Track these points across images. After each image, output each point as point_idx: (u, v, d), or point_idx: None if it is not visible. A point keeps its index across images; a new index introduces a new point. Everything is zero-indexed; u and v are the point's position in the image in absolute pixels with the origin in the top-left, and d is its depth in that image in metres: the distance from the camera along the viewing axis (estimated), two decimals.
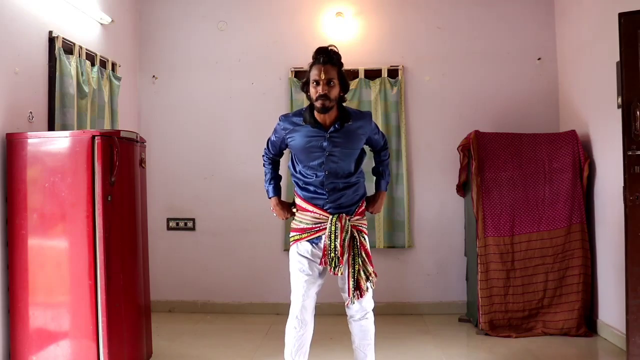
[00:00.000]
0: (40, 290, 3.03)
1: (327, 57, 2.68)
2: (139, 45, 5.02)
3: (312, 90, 2.70)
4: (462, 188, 4.56)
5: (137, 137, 3.37)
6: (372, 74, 4.85)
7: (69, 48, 3.71)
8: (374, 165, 3.14)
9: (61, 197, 3.00)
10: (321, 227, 2.79)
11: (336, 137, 2.75)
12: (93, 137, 2.99)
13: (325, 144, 2.75)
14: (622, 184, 3.26)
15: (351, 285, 2.75)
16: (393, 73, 4.86)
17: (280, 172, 3.13)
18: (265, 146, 3.07)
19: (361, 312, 2.84)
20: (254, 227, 4.88)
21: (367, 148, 3.03)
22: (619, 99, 3.52)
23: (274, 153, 3.05)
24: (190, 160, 4.97)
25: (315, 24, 4.92)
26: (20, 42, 3.27)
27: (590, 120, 4.24)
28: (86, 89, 3.81)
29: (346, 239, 2.74)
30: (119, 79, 4.36)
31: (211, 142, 4.96)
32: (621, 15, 3.18)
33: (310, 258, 2.81)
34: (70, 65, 3.66)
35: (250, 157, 4.83)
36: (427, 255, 4.85)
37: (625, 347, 3.26)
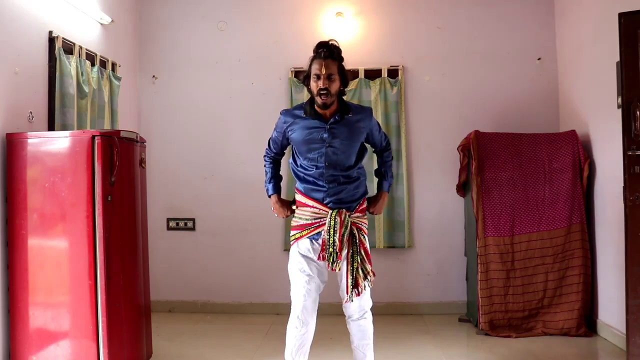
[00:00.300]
0: (40, 290, 3.03)
1: (328, 51, 2.74)
2: (139, 45, 5.02)
3: (312, 84, 2.76)
4: (462, 188, 4.56)
5: (137, 137, 3.37)
6: (372, 74, 4.85)
7: (69, 48, 3.71)
8: (376, 167, 3.14)
9: (61, 197, 3.00)
10: (321, 223, 2.79)
11: (336, 129, 2.79)
12: (93, 137, 2.99)
13: (325, 135, 2.78)
14: (622, 184, 3.26)
15: (349, 283, 2.75)
16: (393, 73, 4.86)
17: (281, 173, 3.13)
18: (267, 146, 3.09)
19: (359, 312, 2.84)
20: (254, 227, 4.88)
21: (369, 148, 3.05)
22: (619, 99, 3.52)
23: (275, 152, 3.06)
24: (190, 160, 4.97)
25: (315, 24, 4.93)
26: (20, 42, 3.27)
27: (590, 120, 4.24)
28: (86, 89, 3.81)
29: (345, 235, 2.74)
30: (119, 79, 4.36)
31: (211, 142, 4.96)
32: (621, 15, 3.18)
33: (311, 257, 2.80)
34: (70, 65, 3.66)
35: (250, 157, 4.84)
36: (427, 255, 4.85)
37: (625, 347, 3.26)
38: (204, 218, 4.95)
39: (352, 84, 4.76)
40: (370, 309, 2.89)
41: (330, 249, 2.72)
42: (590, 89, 4.21)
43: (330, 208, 2.79)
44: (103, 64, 4.19)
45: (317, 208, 2.81)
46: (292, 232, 2.89)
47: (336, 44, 2.79)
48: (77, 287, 2.98)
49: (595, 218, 4.16)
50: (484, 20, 4.90)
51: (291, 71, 4.87)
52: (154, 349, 3.61)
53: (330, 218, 2.75)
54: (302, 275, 2.80)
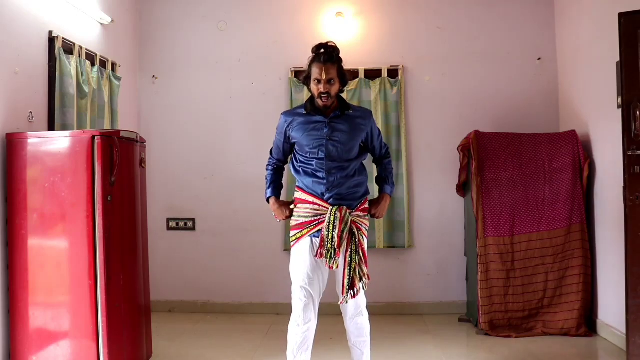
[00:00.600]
0: (40, 290, 3.03)
1: (327, 55, 2.80)
2: (139, 45, 5.02)
3: (313, 87, 2.83)
4: (462, 188, 4.56)
5: (137, 137, 3.37)
6: (372, 74, 4.85)
7: (69, 48, 3.71)
8: (376, 175, 3.16)
9: (61, 197, 3.00)
10: (321, 220, 2.80)
11: (336, 123, 2.85)
12: (93, 137, 2.99)
13: (326, 129, 2.84)
14: (622, 184, 3.26)
15: (345, 284, 2.76)
16: (393, 73, 4.86)
17: (282, 182, 3.14)
18: (269, 154, 3.12)
19: (355, 310, 2.87)
20: (254, 227, 4.88)
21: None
22: (619, 99, 3.51)
23: (277, 157, 3.08)
24: (190, 160, 4.97)
25: (315, 24, 4.92)
26: (20, 42, 3.27)
27: (590, 120, 4.24)
28: (86, 89, 3.81)
29: (345, 231, 2.75)
30: (119, 79, 4.36)
31: (211, 142, 4.96)
32: (621, 15, 3.18)
33: (312, 256, 2.81)
34: (70, 65, 3.66)
35: (250, 157, 4.84)
36: (427, 255, 4.85)
37: (625, 347, 3.26)
38: (204, 218, 4.95)
39: (352, 84, 4.77)
40: (367, 308, 2.91)
41: (329, 245, 2.73)
42: (590, 89, 4.21)
43: (330, 204, 2.79)
44: (103, 64, 4.19)
45: (317, 204, 2.82)
46: (293, 232, 2.90)
47: (335, 45, 2.84)
48: (77, 287, 2.98)
49: (595, 218, 4.16)
50: (484, 20, 4.90)
51: (291, 71, 4.87)
52: (154, 349, 3.61)
53: (330, 214, 2.76)
54: (303, 276, 2.80)
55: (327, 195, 2.82)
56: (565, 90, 4.72)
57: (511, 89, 4.84)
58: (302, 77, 2.96)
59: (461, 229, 4.73)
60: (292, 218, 2.92)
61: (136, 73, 4.99)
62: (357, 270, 2.77)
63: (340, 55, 2.85)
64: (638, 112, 3.13)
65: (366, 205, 2.95)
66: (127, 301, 3.18)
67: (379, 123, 4.70)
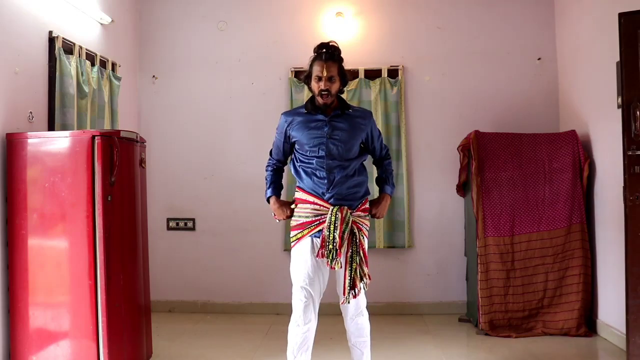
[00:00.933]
0: (40, 290, 3.03)
1: (329, 53, 2.83)
2: (139, 45, 5.02)
3: (314, 84, 2.85)
4: (462, 188, 4.56)
5: (137, 137, 3.37)
6: (372, 74, 4.85)
7: (69, 48, 3.71)
8: (377, 176, 3.16)
9: (61, 197, 3.00)
10: (321, 220, 2.80)
11: (337, 122, 2.87)
12: (93, 137, 2.99)
13: (326, 128, 2.85)
14: (622, 184, 3.26)
15: (346, 285, 2.76)
16: (393, 73, 4.86)
17: (282, 182, 3.14)
18: (269, 155, 3.12)
19: (356, 310, 2.87)
20: (254, 227, 4.88)
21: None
22: (619, 99, 3.51)
23: (277, 158, 3.08)
24: (190, 160, 4.97)
25: (315, 24, 4.92)
26: (20, 42, 3.27)
27: (590, 120, 4.24)
28: (86, 89, 3.81)
29: (346, 232, 2.75)
30: (119, 79, 4.36)
31: (211, 142, 4.96)
32: (621, 15, 3.18)
33: (313, 257, 2.81)
34: (70, 65, 3.66)
35: (250, 157, 4.84)
36: (427, 255, 4.85)
37: (625, 347, 3.26)
38: (204, 218, 4.95)
39: (352, 84, 4.77)
40: (367, 307, 2.92)
41: (330, 246, 2.73)
42: (590, 89, 4.21)
43: (331, 204, 2.79)
44: (103, 64, 4.19)
45: (317, 205, 2.82)
46: (293, 233, 2.90)
47: (336, 45, 2.87)
48: (77, 287, 2.98)
49: (595, 218, 4.16)
50: (484, 20, 4.90)
51: (291, 71, 4.87)
52: (154, 349, 3.61)
53: (331, 214, 2.76)
54: (304, 276, 2.80)
55: (327, 195, 2.82)
56: (565, 90, 4.72)
57: (511, 89, 4.84)
58: (303, 76, 2.99)
59: (461, 229, 4.73)
60: (293, 218, 2.92)
61: (136, 73, 4.99)
62: (358, 271, 2.77)
63: (341, 50, 2.88)
64: (638, 112, 3.13)
65: (367, 206, 2.96)
66: (127, 301, 3.18)
67: (379, 123, 4.70)
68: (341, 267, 2.77)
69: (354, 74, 4.77)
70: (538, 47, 4.86)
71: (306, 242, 2.83)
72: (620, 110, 3.31)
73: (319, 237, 2.80)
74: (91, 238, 2.97)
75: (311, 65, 2.86)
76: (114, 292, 3.03)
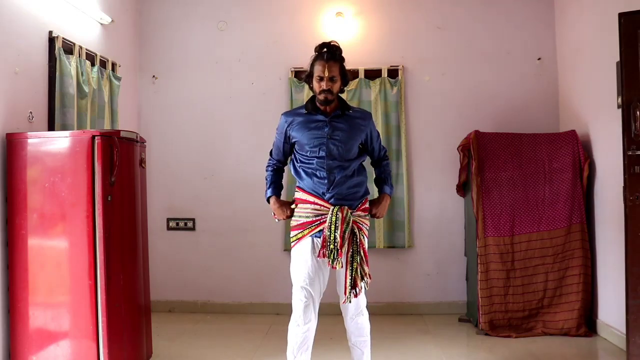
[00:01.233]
0: (40, 290, 3.03)
1: (330, 53, 2.83)
2: (139, 45, 5.02)
3: (315, 84, 2.85)
4: (462, 188, 4.56)
5: (137, 137, 3.37)
6: (372, 74, 4.85)
7: (69, 48, 3.70)
8: (375, 176, 3.17)
9: (61, 197, 3.00)
10: (322, 220, 2.80)
11: (337, 122, 2.87)
12: (93, 137, 2.99)
13: (326, 128, 2.85)
14: (622, 184, 3.26)
15: (348, 284, 2.77)
16: (393, 73, 4.86)
17: (282, 182, 3.14)
18: (269, 155, 3.12)
19: (356, 310, 2.87)
20: (254, 227, 4.88)
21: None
22: (619, 99, 3.51)
23: (277, 158, 3.08)
24: (190, 160, 4.97)
25: (315, 24, 4.93)
26: (20, 42, 3.26)
27: (590, 120, 4.24)
28: (86, 89, 3.81)
29: (347, 231, 2.76)
30: (119, 79, 4.36)
31: (211, 142, 4.96)
32: (621, 15, 3.18)
33: (313, 257, 2.81)
34: (70, 65, 3.66)
35: (250, 157, 4.84)
36: (427, 255, 4.85)
37: (625, 347, 3.26)
38: (204, 218, 4.95)
39: (352, 84, 4.77)
40: (366, 307, 2.92)
41: (331, 246, 2.73)
42: (590, 89, 4.21)
43: (331, 204, 2.80)
44: (103, 64, 4.19)
45: (318, 205, 2.82)
46: (293, 233, 2.90)
47: (337, 44, 2.87)
48: (77, 287, 2.98)
49: (595, 218, 4.16)
50: (484, 20, 4.90)
51: (291, 71, 4.87)
52: (154, 349, 3.61)
53: (332, 214, 2.76)
54: (304, 276, 2.80)
55: (327, 195, 2.82)
56: (565, 90, 4.72)
57: (511, 89, 4.84)
58: (304, 75, 2.99)
59: (461, 229, 4.73)
60: (293, 218, 2.93)
61: (136, 73, 4.99)
62: (358, 270, 2.78)
63: (342, 50, 2.88)
64: (638, 112, 3.13)
65: (367, 205, 2.96)
66: (127, 301, 3.18)
67: (379, 123, 4.71)
68: (342, 266, 2.77)
69: (354, 74, 4.77)
70: (538, 47, 4.86)
71: (306, 242, 2.83)
72: (620, 110, 3.31)
73: (320, 237, 2.80)
74: (91, 238, 2.97)
75: (312, 65, 2.86)
76: (114, 292, 3.02)
